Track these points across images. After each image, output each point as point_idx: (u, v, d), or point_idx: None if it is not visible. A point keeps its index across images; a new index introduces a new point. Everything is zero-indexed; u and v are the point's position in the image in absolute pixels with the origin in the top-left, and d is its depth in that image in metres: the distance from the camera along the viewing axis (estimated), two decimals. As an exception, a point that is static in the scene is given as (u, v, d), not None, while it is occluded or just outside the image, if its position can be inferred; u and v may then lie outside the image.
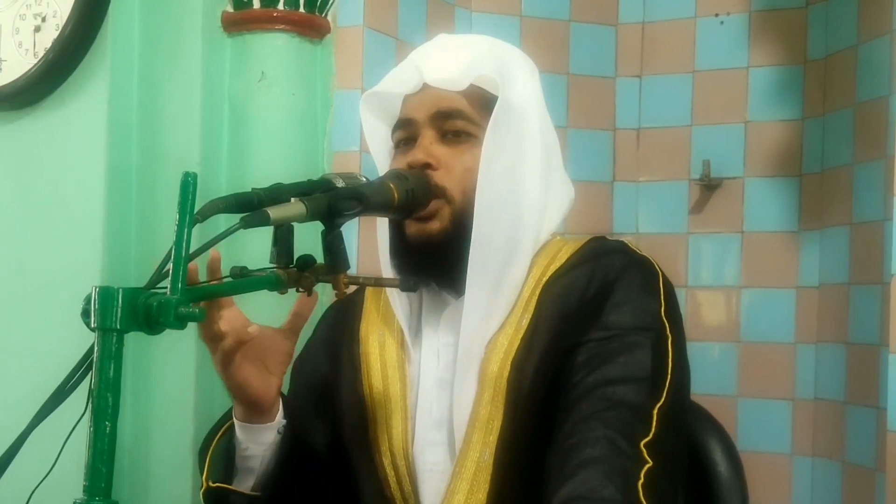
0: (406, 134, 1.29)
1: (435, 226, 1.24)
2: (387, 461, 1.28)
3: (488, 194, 1.22)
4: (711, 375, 2.30)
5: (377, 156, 1.34)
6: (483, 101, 1.26)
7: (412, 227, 1.25)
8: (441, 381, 1.27)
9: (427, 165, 1.24)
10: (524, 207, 1.26)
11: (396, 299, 1.31)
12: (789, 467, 2.27)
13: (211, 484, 1.29)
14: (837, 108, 2.20)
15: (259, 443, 1.27)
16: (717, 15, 2.38)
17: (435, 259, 1.25)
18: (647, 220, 2.43)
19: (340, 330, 1.38)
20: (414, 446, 1.27)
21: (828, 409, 2.20)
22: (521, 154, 1.26)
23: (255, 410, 1.26)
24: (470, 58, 1.27)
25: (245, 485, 1.30)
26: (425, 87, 1.27)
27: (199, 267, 1.13)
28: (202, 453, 1.34)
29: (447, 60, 1.28)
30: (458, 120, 1.25)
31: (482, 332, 1.24)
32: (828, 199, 2.23)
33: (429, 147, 1.25)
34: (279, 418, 1.27)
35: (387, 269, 1.31)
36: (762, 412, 2.29)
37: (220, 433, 1.32)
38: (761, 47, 2.34)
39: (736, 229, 2.35)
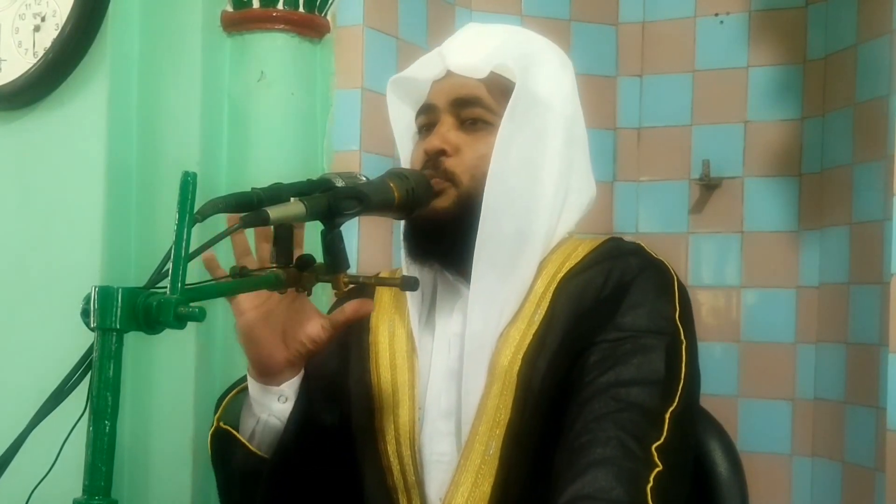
0: (427, 120, 1.30)
1: (439, 203, 1.24)
2: (391, 449, 1.28)
3: (499, 182, 1.23)
4: (712, 375, 2.28)
5: (400, 141, 1.35)
6: (504, 90, 1.26)
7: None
8: (451, 372, 1.27)
9: (442, 152, 1.25)
10: (538, 200, 1.26)
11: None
12: (789, 467, 2.27)
13: (221, 424, 1.30)
14: (837, 108, 2.20)
15: (261, 403, 1.28)
16: (716, 15, 2.38)
17: (438, 238, 1.25)
18: (647, 220, 2.43)
19: None
20: (421, 436, 1.27)
21: (828, 409, 2.20)
22: (539, 147, 1.26)
23: (259, 370, 1.27)
24: (493, 46, 1.28)
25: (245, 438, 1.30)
26: (449, 73, 1.29)
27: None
28: (221, 400, 1.34)
29: (471, 48, 1.29)
30: (476, 108, 1.26)
31: (492, 324, 1.24)
32: (828, 199, 2.23)
33: (445, 134, 1.26)
34: (284, 388, 1.27)
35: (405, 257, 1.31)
36: (762, 412, 2.30)
37: (240, 387, 1.33)
38: (761, 47, 2.34)
39: (736, 229, 2.35)
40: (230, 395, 1.34)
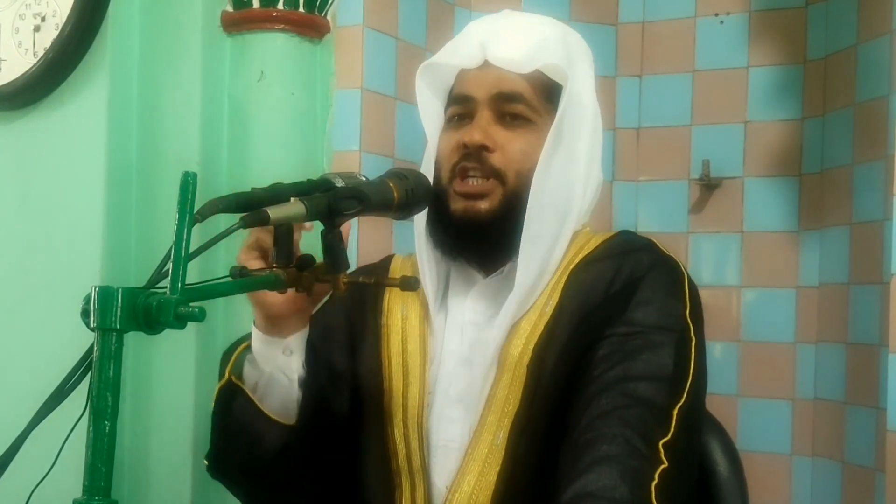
0: (462, 110, 1.28)
1: (484, 205, 1.24)
2: (398, 433, 1.28)
3: (545, 184, 1.23)
4: (712, 375, 2.28)
5: (429, 127, 1.33)
6: (544, 88, 1.26)
7: (458, 203, 1.25)
8: (462, 360, 1.27)
9: (484, 147, 1.24)
10: (572, 196, 1.27)
11: (426, 273, 1.30)
12: (789, 467, 2.27)
13: (234, 379, 1.26)
14: (837, 108, 2.20)
15: (265, 356, 1.25)
16: (716, 15, 2.38)
17: (477, 238, 1.25)
18: (646, 220, 2.43)
19: (364, 299, 1.37)
20: (430, 420, 1.27)
21: (828, 409, 2.20)
22: (574, 145, 1.27)
23: (265, 317, 1.23)
24: (537, 41, 1.26)
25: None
26: (486, 64, 1.26)
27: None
28: (227, 355, 1.31)
29: (513, 41, 1.26)
30: (519, 104, 1.25)
31: (511, 314, 1.24)
32: (828, 199, 2.23)
33: (486, 128, 1.25)
34: (291, 341, 1.24)
35: (419, 242, 1.30)
36: (762, 412, 2.29)
37: (245, 343, 1.29)
38: (761, 47, 2.34)
39: (736, 229, 2.35)
40: (238, 349, 1.29)
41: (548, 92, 1.26)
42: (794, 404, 2.28)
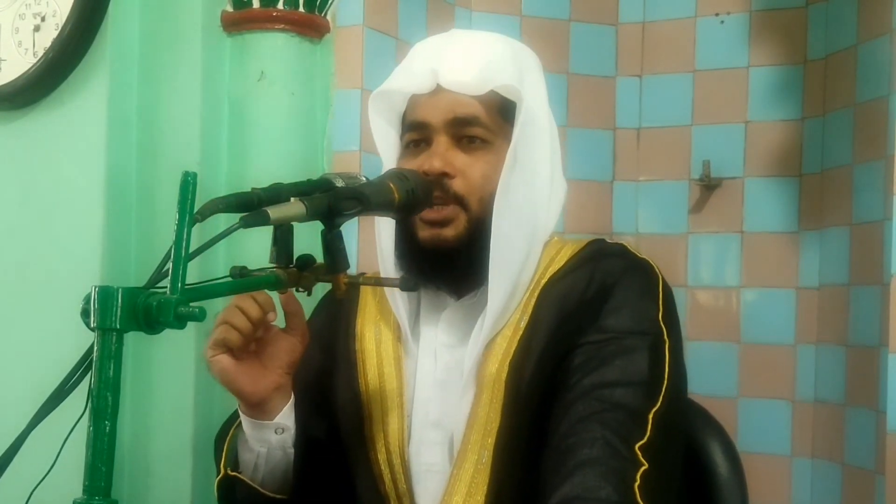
0: (418, 136, 1.27)
1: (450, 232, 1.24)
2: (382, 458, 1.28)
3: (508, 206, 1.22)
4: (711, 376, 2.30)
5: (385, 155, 1.32)
6: (499, 108, 1.25)
7: (425, 232, 1.25)
8: (439, 382, 1.27)
9: (445, 174, 1.23)
10: (538, 212, 1.27)
11: (396, 296, 1.30)
12: (789, 468, 2.27)
13: (230, 472, 1.28)
14: (837, 108, 2.20)
15: (259, 439, 1.27)
16: (717, 14, 2.38)
17: (446, 264, 1.25)
18: (646, 220, 2.43)
19: (336, 324, 1.38)
20: (410, 445, 1.27)
21: (828, 411, 2.20)
22: (534, 159, 1.26)
23: (250, 405, 1.26)
24: (487, 62, 1.25)
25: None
26: (440, 88, 1.26)
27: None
28: (219, 441, 1.33)
29: (464, 63, 1.26)
30: (476, 127, 1.25)
31: (486, 333, 1.24)
32: (828, 199, 2.23)
33: (445, 154, 1.24)
34: (279, 419, 1.26)
35: (385, 268, 1.30)
36: (762, 413, 2.29)
37: (236, 423, 1.31)
38: (761, 47, 2.34)
39: (736, 229, 2.35)
40: (228, 435, 1.32)
41: (503, 110, 1.25)
42: (794, 406, 2.28)
